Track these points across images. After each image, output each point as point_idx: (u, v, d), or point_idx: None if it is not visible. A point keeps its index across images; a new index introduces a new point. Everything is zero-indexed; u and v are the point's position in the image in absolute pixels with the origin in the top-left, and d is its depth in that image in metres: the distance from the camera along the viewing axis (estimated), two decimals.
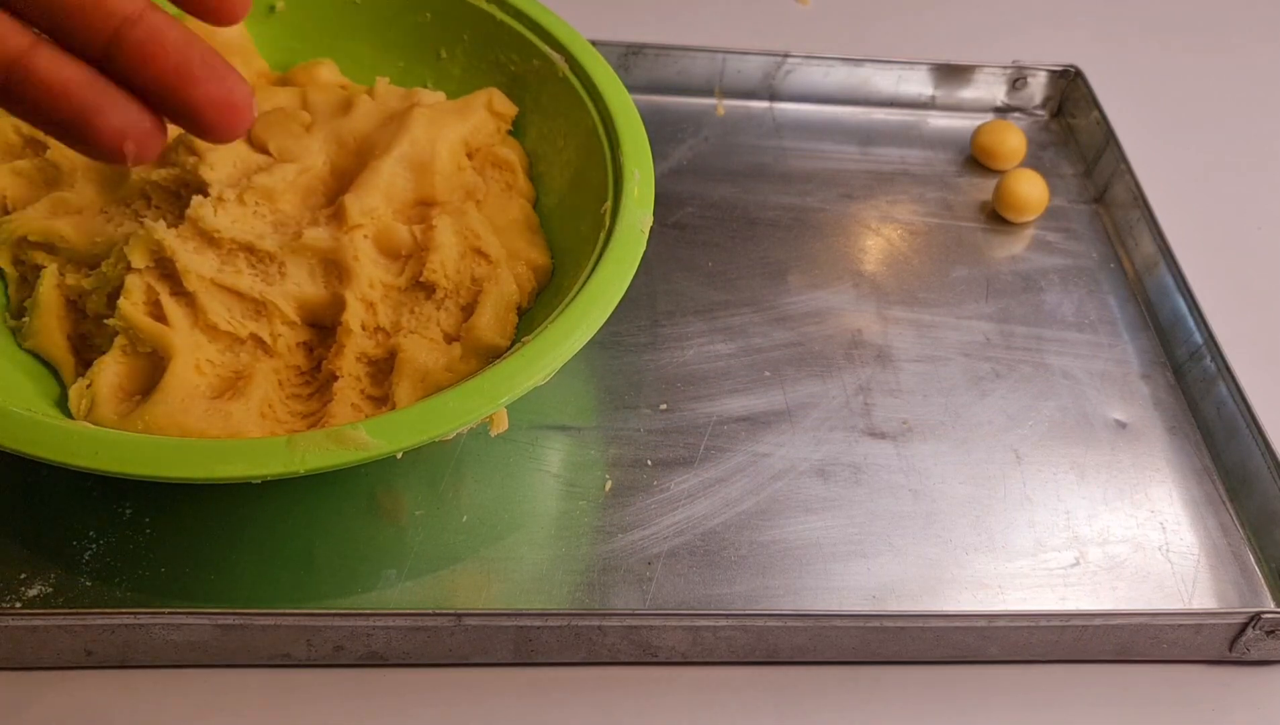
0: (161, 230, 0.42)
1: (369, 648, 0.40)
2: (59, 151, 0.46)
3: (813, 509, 0.46)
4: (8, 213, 0.45)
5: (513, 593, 0.42)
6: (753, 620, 0.41)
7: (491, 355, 0.43)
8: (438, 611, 0.40)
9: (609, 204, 0.45)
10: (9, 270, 0.45)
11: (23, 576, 0.40)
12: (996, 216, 0.60)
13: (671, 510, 0.45)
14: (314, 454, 0.35)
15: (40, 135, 0.46)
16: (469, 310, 0.44)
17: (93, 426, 0.38)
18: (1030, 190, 0.59)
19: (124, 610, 0.39)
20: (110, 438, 0.36)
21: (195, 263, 0.42)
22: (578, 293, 0.41)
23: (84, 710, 0.39)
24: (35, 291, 0.43)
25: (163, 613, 0.39)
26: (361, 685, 0.41)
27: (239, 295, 0.43)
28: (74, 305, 0.44)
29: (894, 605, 0.43)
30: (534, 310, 0.47)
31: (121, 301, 0.41)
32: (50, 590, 0.40)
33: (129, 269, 0.42)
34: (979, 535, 0.46)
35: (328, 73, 0.52)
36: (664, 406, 0.49)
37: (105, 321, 0.42)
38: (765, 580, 0.43)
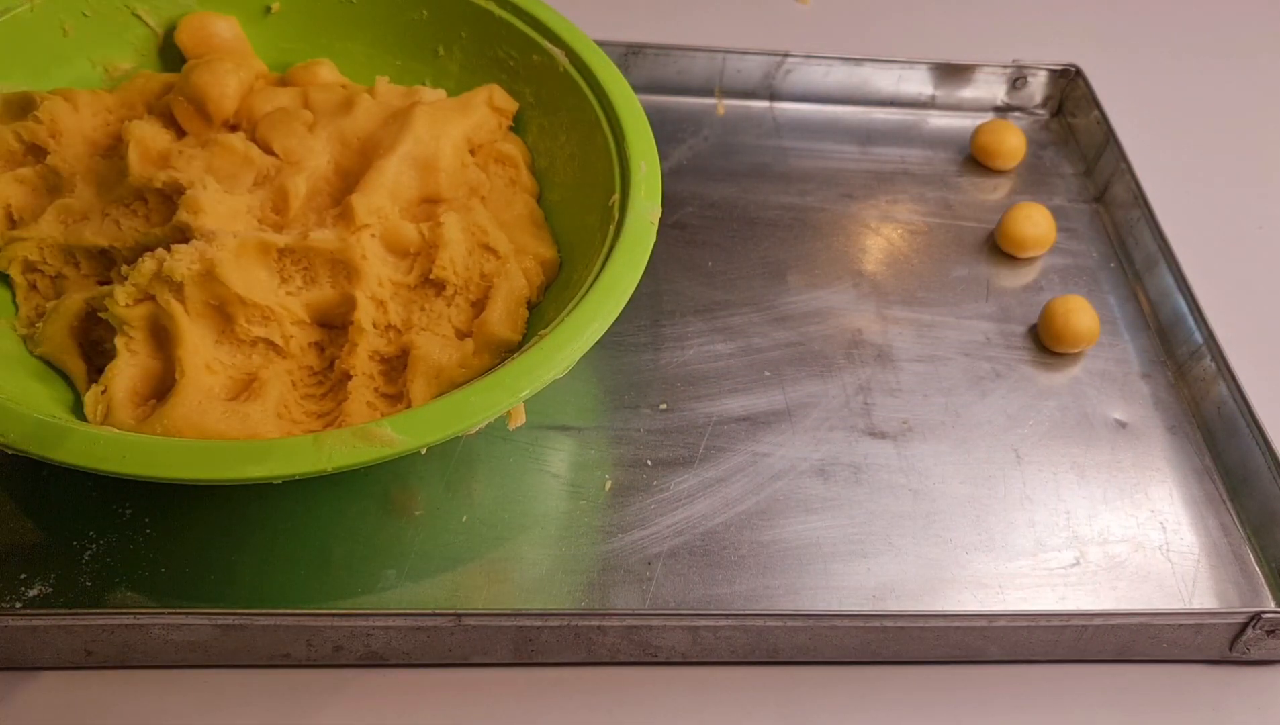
0: (180, 248, 0.42)
1: (369, 648, 0.40)
2: (58, 158, 0.46)
3: (813, 509, 0.46)
4: (12, 220, 0.45)
5: (513, 593, 0.42)
6: (753, 620, 0.41)
7: (504, 350, 0.43)
8: (438, 611, 0.40)
9: (617, 196, 0.45)
10: (18, 279, 0.45)
11: (23, 576, 0.40)
12: (996, 214, 0.60)
13: (671, 510, 0.45)
14: (341, 452, 0.36)
15: (41, 142, 0.46)
16: (479, 306, 0.45)
17: (117, 431, 0.38)
18: (1033, 230, 0.57)
19: (124, 610, 0.39)
20: (136, 442, 0.36)
21: (208, 268, 0.42)
22: (592, 284, 0.41)
23: (84, 710, 0.39)
24: (48, 299, 0.43)
25: (163, 613, 0.39)
26: (361, 685, 0.41)
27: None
28: (85, 311, 0.44)
29: (894, 605, 0.43)
30: (543, 304, 0.47)
31: (133, 308, 0.41)
32: (50, 590, 0.40)
33: (142, 276, 0.42)
34: (979, 535, 0.46)
35: (328, 72, 0.52)
36: (664, 406, 0.49)
37: (116, 327, 0.42)
38: (765, 580, 0.43)
